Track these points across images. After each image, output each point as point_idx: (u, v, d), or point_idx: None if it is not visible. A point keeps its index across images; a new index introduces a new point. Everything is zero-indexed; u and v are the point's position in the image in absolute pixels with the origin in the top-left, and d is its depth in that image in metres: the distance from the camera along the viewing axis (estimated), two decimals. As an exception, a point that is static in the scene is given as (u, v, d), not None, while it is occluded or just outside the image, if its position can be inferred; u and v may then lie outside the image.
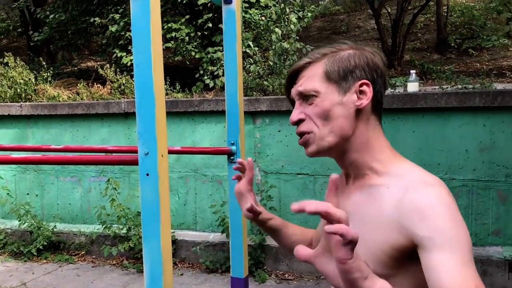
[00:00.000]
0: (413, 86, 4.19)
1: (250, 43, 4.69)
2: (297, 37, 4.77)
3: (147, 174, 1.16)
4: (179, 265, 4.42)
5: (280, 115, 4.32)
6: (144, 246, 1.16)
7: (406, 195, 0.93)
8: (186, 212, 4.68)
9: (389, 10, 10.78)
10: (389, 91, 4.74)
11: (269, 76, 4.76)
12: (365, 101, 1.01)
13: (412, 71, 4.32)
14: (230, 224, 2.10)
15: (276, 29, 4.57)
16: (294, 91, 1.07)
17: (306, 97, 1.04)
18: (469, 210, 3.86)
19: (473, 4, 12.64)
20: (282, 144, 4.33)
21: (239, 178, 1.31)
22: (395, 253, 0.94)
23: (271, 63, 4.51)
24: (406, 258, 0.93)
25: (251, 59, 4.71)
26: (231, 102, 2.17)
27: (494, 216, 3.81)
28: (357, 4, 18.76)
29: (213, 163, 4.55)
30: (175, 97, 5.14)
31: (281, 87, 4.49)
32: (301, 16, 4.85)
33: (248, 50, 4.69)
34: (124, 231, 4.52)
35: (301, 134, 1.06)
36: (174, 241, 4.49)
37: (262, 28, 5.31)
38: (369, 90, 1.02)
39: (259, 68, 4.63)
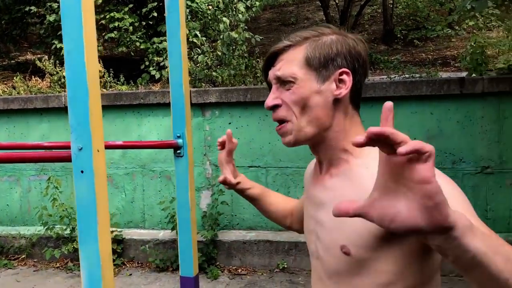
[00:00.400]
0: (362, 76, 4.23)
1: (197, 32, 4.58)
2: (246, 27, 4.70)
3: (82, 171, 1.06)
4: (127, 265, 4.28)
5: (230, 107, 4.25)
6: (80, 251, 1.06)
7: None
8: (134, 210, 4.53)
9: (337, 1, 10.91)
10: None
11: (218, 67, 4.67)
12: (344, 90, 0.98)
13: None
14: (178, 221, 2.01)
15: (224, 19, 4.49)
16: (271, 74, 1.03)
17: (284, 82, 1.01)
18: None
19: (417, -5, 13.01)
20: (233, 136, 4.25)
21: (222, 147, 1.36)
22: (381, 230, 0.89)
23: (219, 53, 4.42)
24: (390, 237, 0.89)
25: (199, 49, 4.61)
26: (176, 93, 2.09)
27: (441, 202, 3.92)
28: (305, -4, 18.81)
29: (161, 158, 4.43)
30: (120, 90, 4.96)
31: (230, 78, 4.42)
32: (249, 6, 4.79)
33: (195, 40, 4.58)
34: (68, 231, 4.32)
35: (278, 121, 1.02)
36: (122, 240, 4.34)
37: (209, 17, 5.20)
38: (348, 80, 0.99)
39: (207, 59, 4.53)
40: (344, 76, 0.98)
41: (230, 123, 4.27)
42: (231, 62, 4.49)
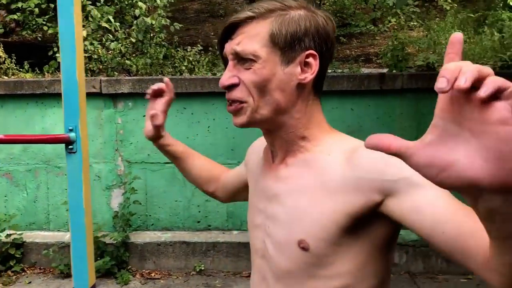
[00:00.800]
0: (284, 69, 4.13)
1: (110, 17, 4.26)
2: (166, 14, 4.45)
3: None
4: (28, 271, 3.90)
5: (145, 99, 3.97)
6: None
7: (356, 153, 0.85)
8: (36, 210, 4.14)
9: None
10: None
11: (133, 55, 4.38)
12: (309, 75, 0.90)
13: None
14: (70, 226, 1.78)
15: (140, 3, 4.21)
16: (228, 48, 0.92)
17: (243, 60, 0.89)
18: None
19: (344, -7, 13.29)
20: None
21: (156, 95, 1.25)
22: (348, 221, 0.84)
23: (133, 40, 4.14)
24: (355, 229, 0.85)
25: (111, 35, 4.29)
26: (69, 82, 1.87)
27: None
28: (234, -12, 18.73)
29: (68, 153, 4.07)
30: (23, 78, 4.51)
31: (146, 67, 4.15)
32: (169, -9, 4.53)
33: (107, 25, 4.26)
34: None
35: (232, 101, 0.92)
36: (22, 244, 3.94)
37: (126, 2, 4.88)
38: (315, 63, 0.89)
39: (121, 46, 4.23)
40: (311, 59, 0.89)
41: (144, 116, 3.99)
42: (148, 50, 4.21)
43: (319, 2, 11.65)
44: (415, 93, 3.81)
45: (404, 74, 3.83)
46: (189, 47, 4.99)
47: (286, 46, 0.88)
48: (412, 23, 8.51)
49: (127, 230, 3.90)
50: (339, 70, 4.40)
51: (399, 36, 4.47)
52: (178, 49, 4.85)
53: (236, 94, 0.91)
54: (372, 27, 7.06)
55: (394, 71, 4.32)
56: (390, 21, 6.73)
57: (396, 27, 6.86)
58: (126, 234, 3.88)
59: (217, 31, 14.52)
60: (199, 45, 5.03)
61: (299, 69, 0.89)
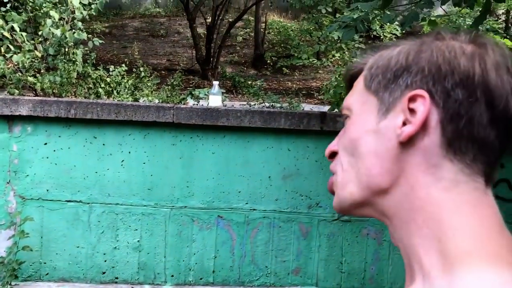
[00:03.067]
0: (215, 100, 3.71)
1: (15, 25, 3.68)
2: (81, 28, 3.91)
3: None
4: None
5: (48, 123, 3.41)
6: None
7: None
8: None
9: (206, 17, 10.52)
10: (191, 103, 4.22)
11: (41, 71, 3.80)
12: (411, 127, 0.57)
13: (215, 82, 3.85)
14: None
15: (52, 12, 3.66)
16: None
17: (344, 116, 0.68)
18: (269, 246, 3.51)
19: (289, 24, 13.28)
20: (49, 161, 3.41)
21: None
22: None
23: (38, 54, 3.57)
24: None
25: (13, 47, 3.70)
26: None
27: (295, 252, 3.51)
28: (179, 9, 18.39)
29: None
30: None
31: (55, 86, 3.58)
32: (89, 2, 4.01)
33: (6, 34, 3.67)
34: None
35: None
36: None
37: (41, 11, 4.30)
38: (424, 109, 0.56)
39: (27, 59, 3.64)
40: (418, 103, 0.57)
41: (46, 144, 3.42)
42: (59, 66, 3.65)
43: (264, 30, 11.49)
44: (358, 136, 3.49)
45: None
46: (112, 66, 4.47)
47: (381, 87, 0.62)
48: (355, 59, 8.46)
49: (11, 282, 3.23)
50: (278, 105, 4.03)
51: (342, 72, 4.22)
52: (98, 68, 4.31)
53: (331, 165, 0.70)
54: (315, 61, 6.86)
55: (336, 109, 4.01)
56: (334, 56, 6.56)
57: (340, 63, 6.70)
58: (11, 287, 3.22)
59: (156, 51, 14.02)
60: (124, 65, 4.53)
61: (401, 119, 0.59)
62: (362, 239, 3.54)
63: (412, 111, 0.58)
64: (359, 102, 0.65)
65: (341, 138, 0.68)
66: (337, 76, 4.25)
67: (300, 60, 7.10)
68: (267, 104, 4.21)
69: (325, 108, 4.80)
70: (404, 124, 0.58)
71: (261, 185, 3.47)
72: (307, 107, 4.56)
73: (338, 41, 6.17)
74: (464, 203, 0.56)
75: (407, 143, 0.58)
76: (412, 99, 0.58)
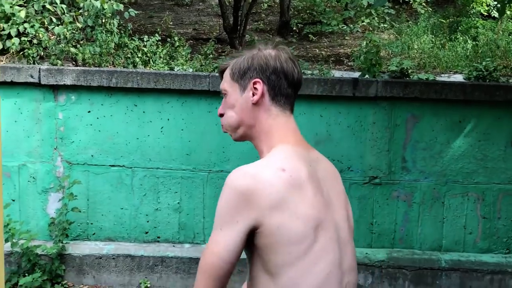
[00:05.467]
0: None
1: (56, -2, 3.82)
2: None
3: None
4: None
5: (91, 92, 3.59)
6: None
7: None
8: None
9: (232, -16, 10.48)
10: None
11: (81, 42, 3.96)
12: (257, 97, 1.32)
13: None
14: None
15: (90, -16, 3.78)
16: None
17: (224, 94, 1.40)
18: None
19: (315, -11, 13.08)
20: (92, 128, 3.61)
21: None
22: None
23: (79, 25, 3.72)
24: None
25: (54, 19, 3.85)
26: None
27: (326, 214, 3.66)
28: (203, -24, 18.19)
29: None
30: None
31: (95, 56, 3.74)
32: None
33: (49, 7, 3.82)
34: None
35: (222, 125, 1.41)
36: None
37: (78, -17, 4.43)
38: (260, 87, 1.32)
39: (67, 31, 3.80)
40: (257, 85, 1.32)
41: (89, 112, 3.61)
42: (98, 37, 3.80)
43: (288, 1, 11.38)
44: (389, 101, 3.58)
45: (379, 80, 3.58)
46: (146, 36, 4.59)
47: (239, 79, 1.35)
48: (382, 25, 8.36)
49: (62, 240, 3.49)
50: (309, 72, 4.11)
51: (373, 38, 4.24)
52: (133, 38, 4.44)
53: (222, 120, 1.41)
54: (345, 27, 6.84)
55: (366, 76, 4.07)
56: (363, 22, 6.53)
57: (370, 28, 6.68)
58: (63, 245, 3.48)
59: (181, 20, 14.06)
60: (157, 35, 4.65)
61: (251, 93, 1.33)
62: (392, 201, 3.66)
63: (255, 89, 1.32)
64: (229, 86, 1.37)
65: (224, 105, 1.39)
66: (367, 42, 4.29)
67: (329, 27, 7.07)
68: (298, 71, 4.30)
69: (355, 74, 4.85)
70: (253, 95, 1.32)
71: (294, 150, 3.60)
72: (337, 73, 4.61)
73: (368, 7, 6.15)
74: (280, 123, 1.33)
75: (256, 103, 1.32)
76: (254, 83, 1.32)
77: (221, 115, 1.40)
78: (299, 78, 1.36)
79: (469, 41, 6.50)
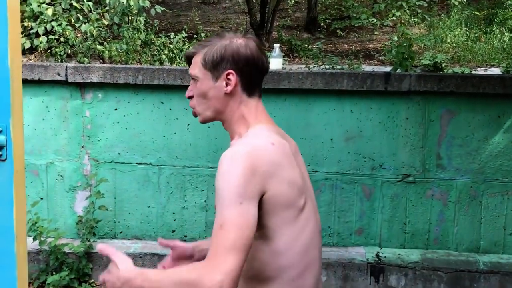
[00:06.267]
0: (276, 63, 3.74)
1: (83, -5, 3.82)
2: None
3: None
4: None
5: (117, 89, 3.58)
6: None
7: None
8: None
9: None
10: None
11: (107, 39, 3.96)
12: (230, 87, 1.42)
13: (276, 45, 3.87)
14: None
15: (116, -19, 3.77)
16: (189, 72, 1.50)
17: (193, 79, 1.47)
18: (332, 207, 3.57)
19: (343, -16, 12.90)
20: (119, 126, 3.60)
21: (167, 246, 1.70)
22: None
23: (106, 23, 3.71)
24: None
25: (81, 16, 3.85)
26: (-3, 68, 1.50)
27: (358, 213, 3.56)
28: (230, -26, 18.19)
29: (27, 148, 3.64)
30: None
31: (121, 53, 3.73)
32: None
33: (77, 5, 3.82)
34: None
35: (192, 108, 1.50)
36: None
37: (104, -20, 4.43)
38: (233, 78, 1.41)
39: (94, 29, 3.80)
40: (230, 76, 1.41)
41: (116, 109, 3.59)
42: (125, 35, 3.79)
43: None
44: (423, 96, 3.45)
45: (412, 74, 3.46)
46: (172, 33, 4.57)
47: (212, 68, 1.42)
48: (413, 20, 8.14)
49: (90, 239, 3.49)
50: (338, 66, 4.01)
51: (405, 32, 4.10)
52: (160, 35, 4.42)
53: (191, 102, 1.49)
54: (375, 20, 6.69)
55: (398, 70, 3.95)
56: (394, 15, 6.37)
57: (401, 22, 6.52)
58: (90, 243, 3.48)
59: (208, 18, 14.09)
60: (183, 32, 4.62)
61: (224, 83, 1.42)
62: (427, 200, 3.53)
63: (228, 79, 1.41)
64: (201, 73, 1.43)
65: (194, 89, 1.47)
66: (399, 36, 4.15)
67: (359, 21, 6.93)
68: (327, 67, 4.19)
69: (386, 69, 4.72)
70: (226, 85, 1.41)
71: (323, 147, 3.51)
72: (367, 68, 4.50)
73: (399, 0, 6.00)
74: (252, 107, 1.44)
75: (229, 93, 1.42)
76: (228, 74, 1.40)
77: (190, 97, 1.49)
78: (267, 66, 1.49)
79: (506, 33, 6.25)
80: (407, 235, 3.56)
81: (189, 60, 1.48)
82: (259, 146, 1.34)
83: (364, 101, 3.47)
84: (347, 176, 3.54)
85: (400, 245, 3.56)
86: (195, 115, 1.49)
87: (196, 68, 1.43)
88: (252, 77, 1.43)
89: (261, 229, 1.32)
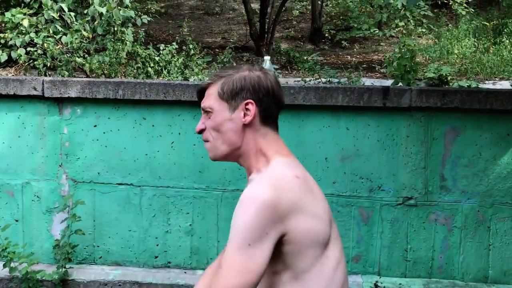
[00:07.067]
0: (267, 76, 3.52)
1: (64, 6, 3.64)
2: (129, 5, 3.83)
3: None
4: None
5: (97, 105, 3.38)
6: None
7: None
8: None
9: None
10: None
11: (90, 51, 3.77)
12: (249, 117, 1.39)
13: (266, 57, 3.66)
14: None
15: (100, -10, 3.60)
16: (201, 105, 1.47)
17: (206, 112, 1.44)
18: (327, 232, 3.31)
19: (348, -6, 12.74)
20: (99, 143, 3.39)
21: None
22: None
23: (85, 34, 3.52)
24: None
25: (61, 27, 3.67)
26: None
27: (355, 239, 3.31)
28: (234, -15, 18.13)
29: (2, 167, 3.45)
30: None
31: (102, 66, 3.54)
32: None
33: (55, 15, 3.65)
34: None
35: (204, 141, 1.47)
36: None
37: (92, -10, 4.26)
38: (253, 108, 1.39)
39: (76, 40, 3.61)
40: (250, 106, 1.40)
41: (95, 126, 3.39)
42: (108, 46, 3.60)
43: (320, 3, 11.08)
44: (425, 112, 3.22)
45: (413, 88, 3.23)
46: (162, 45, 4.38)
47: (229, 99, 1.41)
48: (420, 30, 7.92)
49: (67, 265, 3.27)
50: (335, 80, 3.79)
51: (407, 42, 3.88)
52: (148, 47, 4.23)
53: (204, 136, 1.47)
54: (377, 31, 6.48)
55: (400, 83, 3.72)
56: (397, 25, 6.15)
57: (404, 32, 6.29)
58: (65, 270, 3.26)
59: (211, 29, 13.95)
60: (175, 44, 4.43)
61: (242, 113, 1.41)
62: (430, 225, 3.28)
63: (247, 109, 1.39)
64: (217, 105, 1.41)
65: (206, 121, 1.43)
66: (401, 47, 3.93)
67: (360, 31, 6.72)
68: (323, 80, 3.97)
69: (388, 82, 4.49)
70: (244, 115, 1.39)
71: (317, 167, 3.28)
72: (368, 81, 4.29)
73: (402, 9, 5.78)
74: (270, 140, 1.42)
75: (247, 124, 1.40)
76: (247, 104, 1.40)
77: (201, 131, 1.45)
78: (284, 101, 1.49)
79: (516, 45, 6.01)
80: (408, 263, 3.30)
81: (201, 93, 1.47)
82: (284, 179, 1.32)
83: (361, 118, 3.24)
84: (343, 198, 3.30)
85: (401, 273, 3.30)
86: (206, 149, 1.49)
87: (212, 100, 1.42)
88: (271, 109, 1.42)
89: (290, 269, 1.30)
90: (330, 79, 3.88)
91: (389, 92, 3.20)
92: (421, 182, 3.26)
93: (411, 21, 6.32)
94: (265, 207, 1.24)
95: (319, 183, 3.30)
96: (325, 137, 3.26)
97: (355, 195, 3.30)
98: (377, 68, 6.03)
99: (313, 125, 3.26)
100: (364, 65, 6.14)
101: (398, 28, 6.43)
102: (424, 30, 7.83)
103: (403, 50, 3.98)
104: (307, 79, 4.03)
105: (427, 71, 4.24)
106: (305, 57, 6.15)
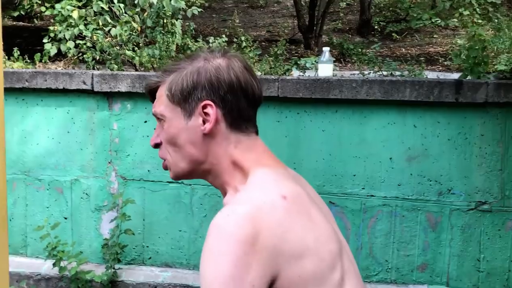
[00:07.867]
0: (325, 69, 3.32)
1: (114, -4, 3.55)
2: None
3: None
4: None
5: (147, 100, 3.22)
6: None
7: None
8: (12, 230, 3.48)
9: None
10: (296, 74, 3.87)
11: (139, 45, 3.66)
12: (209, 125, 1.01)
13: (325, 49, 3.44)
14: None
15: (149, -21, 3.48)
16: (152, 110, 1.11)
17: (159, 119, 1.07)
18: (390, 238, 3.10)
19: (398, -15, 12.28)
20: (149, 140, 3.26)
21: None
22: None
23: (135, 25, 3.41)
24: None
25: (108, 18, 3.58)
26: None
27: (421, 246, 3.07)
28: (278, -23, 17.98)
29: (51, 163, 3.40)
30: (11, 67, 3.88)
31: (152, 59, 3.43)
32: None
33: (104, 7, 3.55)
34: None
35: (162, 159, 1.10)
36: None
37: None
38: (213, 112, 1.01)
39: (125, 32, 3.51)
40: (208, 109, 1.00)
41: (146, 122, 3.28)
42: (157, 39, 3.48)
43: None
44: (503, 108, 2.94)
45: (490, 82, 2.95)
46: (212, 38, 4.24)
47: (181, 101, 1.01)
48: (479, 20, 7.48)
49: (113, 266, 3.18)
50: (398, 73, 3.54)
51: (478, 32, 3.58)
52: (198, 39, 4.09)
53: (160, 153, 1.10)
54: (439, 21, 6.12)
55: (468, 77, 3.42)
56: (461, 14, 5.79)
57: (473, 21, 5.92)
58: (114, 271, 3.17)
59: (255, 23, 13.79)
60: (224, 36, 4.27)
61: (201, 119, 1.01)
62: (506, 233, 3.01)
63: (206, 114, 1.01)
64: (168, 111, 1.04)
65: (160, 133, 1.07)
66: (471, 37, 3.63)
67: (420, 21, 6.38)
68: (384, 73, 3.72)
69: (453, 76, 4.18)
70: (204, 122, 1.02)
71: (380, 168, 3.06)
72: (430, 75, 4.00)
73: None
74: (245, 148, 1.04)
75: (208, 133, 1.02)
76: (204, 107, 1.01)
77: (157, 146, 1.08)
78: (260, 94, 1.06)
79: None
80: (481, 274, 3.04)
81: (152, 94, 1.09)
82: (264, 205, 0.93)
83: (430, 114, 3.00)
84: (409, 202, 3.06)
85: (472, 285, 3.05)
86: (166, 168, 1.09)
87: (162, 104, 1.04)
88: (240, 109, 1.02)
89: None
90: (392, 72, 3.62)
91: (463, 86, 2.94)
92: (496, 185, 2.99)
93: (477, 9, 5.94)
94: (248, 238, 0.88)
95: (382, 185, 3.11)
96: (390, 135, 3.03)
97: (422, 199, 3.05)
98: (440, 60, 5.70)
99: (377, 122, 3.04)
100: (422, 58, 5.82)
101: (464, 18, 6.05)
102: (481, 20, 7.39)
103: (474, 39, 3.67)
104: (365, 72, 3.78)
105: (497, 63, 3.92)
106: (360, 49, 5.88)
